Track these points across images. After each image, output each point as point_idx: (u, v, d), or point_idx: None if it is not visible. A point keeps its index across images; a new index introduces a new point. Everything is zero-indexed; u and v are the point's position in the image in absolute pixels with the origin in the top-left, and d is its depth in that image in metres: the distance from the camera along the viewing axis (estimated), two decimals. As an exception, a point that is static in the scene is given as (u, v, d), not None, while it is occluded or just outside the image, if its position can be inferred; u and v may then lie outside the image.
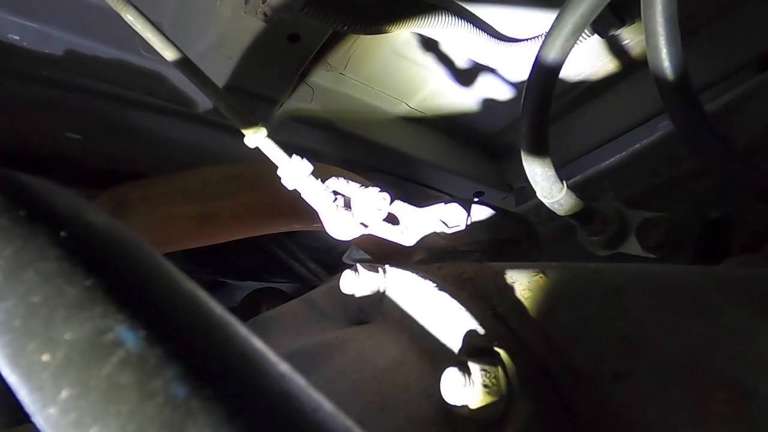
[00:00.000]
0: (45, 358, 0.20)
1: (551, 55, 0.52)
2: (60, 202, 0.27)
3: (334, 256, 2.11)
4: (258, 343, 0.21)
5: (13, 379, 0.21)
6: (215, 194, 1.17)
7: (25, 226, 0.25)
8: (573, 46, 0.52)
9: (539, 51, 0.54)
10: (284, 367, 0.21)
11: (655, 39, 0.49)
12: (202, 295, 0.23)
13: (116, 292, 0.21)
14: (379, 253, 0.96)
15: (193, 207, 1.10)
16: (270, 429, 0.17)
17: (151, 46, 1.17)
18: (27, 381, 0.20)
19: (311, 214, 1.22)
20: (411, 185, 1.70)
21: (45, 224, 0.25)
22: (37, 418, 0.21)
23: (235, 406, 0.18)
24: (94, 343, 0.20)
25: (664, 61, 0.50)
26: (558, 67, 0.54)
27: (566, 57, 0.53)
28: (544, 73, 0.54)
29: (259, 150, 0.67)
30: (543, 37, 1.18)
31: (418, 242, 0.67)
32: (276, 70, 1.23)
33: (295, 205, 1.18)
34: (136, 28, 0.51)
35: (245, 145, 1.41)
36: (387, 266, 0.63)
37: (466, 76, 1.48)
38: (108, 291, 0.21)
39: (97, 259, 0.23)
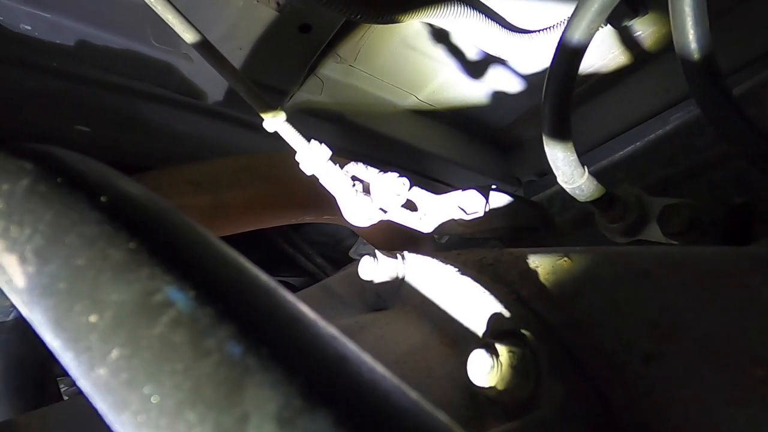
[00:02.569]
0: (93, 319, 0.20)
1: (576, 37, 0.52)
2: (96, 170, 0.27)
3: (341, 251, 2.11)
4: (306, 307, 0.21)
5: (57, 343, 0.21)
6: (226, 185, 1.17)
7: (64, 191, 0.24)
8: (598, 28, 0.52)
9: (563, 33, 0.53)
10: (334, 330, 0.20)
11: (681, 19, 0.48)
12: (246, 261, 0.23)
13: (162, 254, 0.21)
14: (387, 246, 0.96)
15: (204, 198, 1.10)
16: (331, 387, 0.17)
17: (163, 36, 1.17)
18: (74, 343, 0.20)
19: (322, 206, 1.22)
20: (419, 178, 1.69)
21: (84, 189, 0.24)
22: (84, 382, 0.20)
23: (293, 364, 0.17)
24: (143, 304, 0.19)
25: (691, 42, 0.49)
26: (582, 50, 0.53)
27: (591, 39, 0.52)
28: (568, 55, 0.53)
29: (274, 136, 0.66)
30: (556, 28, 1.17)
31: (436, 229, 0.67)
32: (286, 61, 1.23)
33: (306, 196, 1.18)
34: (156, 10, 0.50)
35: (255, 137, 1.41)
36: (405, 252, 0.62)
37: (476, 68, 1.48)
38: (153, 253, 0.21)
39: (140, 223, 0.22)
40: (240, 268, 0.22)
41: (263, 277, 0.22)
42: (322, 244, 2.08)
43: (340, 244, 2.11)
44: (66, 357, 0.21)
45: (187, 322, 0.18)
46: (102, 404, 0.19)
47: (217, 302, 0.19)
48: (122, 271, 0.20)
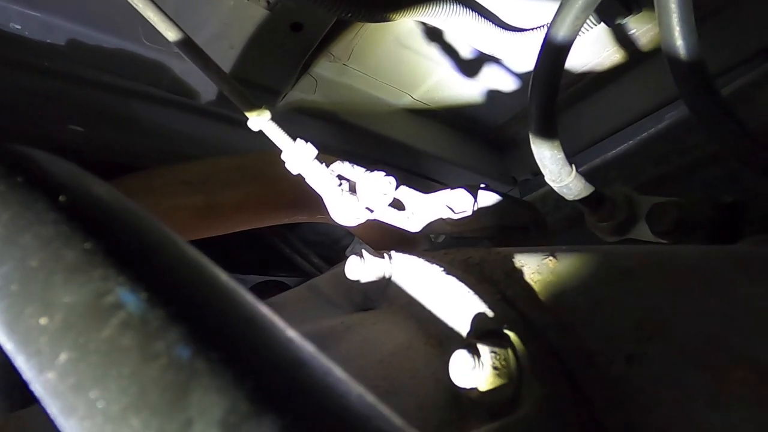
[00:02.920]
0: (43, 321, 0.19)
1: (561, 33, 0.51)
2: (58, 170, 0.26)
3: (337, 250, 2.10)
4: (264, 309, 0.21)
5: (10, 346, 0.21)
6: (219, 185, 1.16)
7: (23, 191, 0.24)
8: (582, 25, 0.51)
9: (548, 30, 0.53)
10: (292, 333, 0.20)
11: (668, 17, 0.48)
12: (206, 261, 0.22)
13: (116, 254, 0.20)
14: (382, 245, 0.95)
15: (197, 198, 1.09)
16: (280, 392, 0.16)
17: (154, 35, 1.17)
18: (25, 346, 0.19)
19: (315, 205, 1.21)
20: (414, 177, 1.69)
21: (43, 189, 0.24)
22: (35, 385, 0.20)
23: (242, 368, 0.17)
24: (93, 306, 0.19)
25: (677, 39, 0.49)
26: (568, 46, 0.53)
27: (576, 35, 0.52)
28: (554, 52, 0.53)
29: (263, 135, 0.66)
30: (547, 29, 1.17)
31: (424, 228, 0.67)
32: (279, 60, 1.22)
33: (299, 196, 1.18)
34: (137, 8, 0.50)
35: (248, 136, 1.40)
36: (392, 252, 0.62)
37: (471, 67, 1.47)
38: (107, 254, 0.20)
39: (97, 223, 0.22)
40: (198, 268, 0.21)
41: (223, 278, 0.21)
42: (318, 244, 2.08)
43: (336, 244, 2.11)
44: (18, 360, 0.20)
45: (136, 325, 0.18)
46: (52, 408, 0.19)
47: (169, 304, 0.19)
48: (75, 272, 0.20)
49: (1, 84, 1.14)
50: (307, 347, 0.19)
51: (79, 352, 0.18)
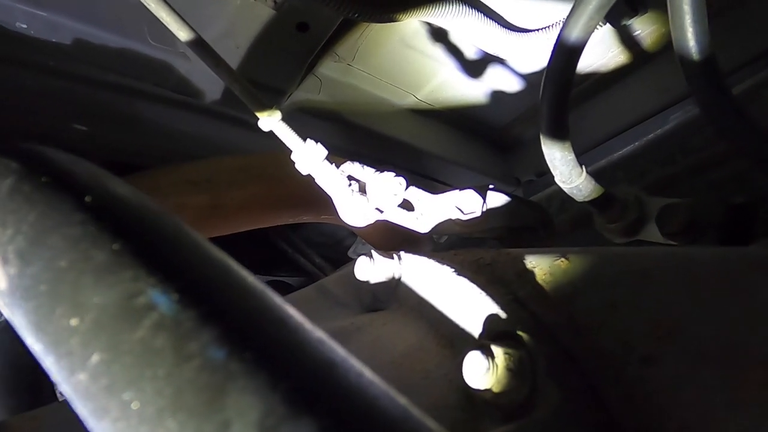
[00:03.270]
0: (74, 322, 0.19)
1: (574, 34, 0.51)
2: (82, 170, 0.26)
3: (340, 251, 2.10)
4: (293, 311, 0.20)
5: (38, 347, 0.21)
6: (224, 184, 1.16)
7: (49, 191, 0.24)
8: (596, 26, 0.51)
9: (561, 30, 0.52)
10: (321, 334, 0.20)
11: (680, 17, 0.48)
12: (233, 262, 0.22)
13: (146, 255, 0.20)
14: (386, 246, 0.95)
15: (202, 197, 1.09)
16: (316, 394, 0.16)
17: (160, 35, 1.17)
18: (55, 347, 0.19)
19: (320, 206, 1.21)
20: (417, 178, 1.69)
21: (69, 190, 0.24)
22: (65, 386, 0.20)
23: (278, 369, 0.17)
24: (125, 307, 0.19)
25: (690, 40, 0.48)
26: (581, 48, 0.53)
27: (589, 37, 0.52)
28: (566, 53, 0.53)
29: (272, 135, 0.66)
30: (554, 27, 1.16)
31: (433, 229, 0.66)
32: (284, 60, 1.22)
33: (304, 196, 1.18)
34: (150, 8, 0.50)
35: (252, 136, 1.40)
36: (402, 253, 0.62)
37: (475, 67, 1.47)
38: (137, 255, 0.20)
39: (124, 223, 0.22)
40: (227, 270, 0.21)
41: (250, 279, 0.21)
42: (321, 244, 2.08)
43: (339, 244, 2.11)
44: (47, 361, 0.20)
45: (169, 326, 0.18)
46: (83, 410, 0.19)
47: (201, 305, 0.18)
48: (105, 273, 0.20)
49: (6, 83, 1.14)
50: (338, 349, 0.19)
51: (112, 354, 0.18)
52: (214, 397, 0.16)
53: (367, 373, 0.19)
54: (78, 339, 0.19)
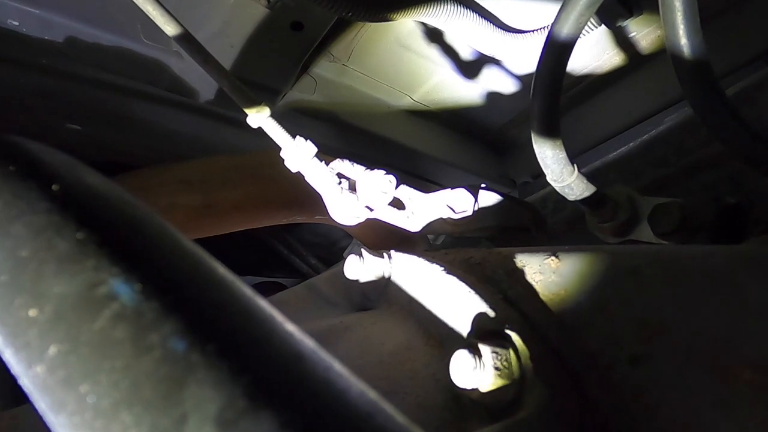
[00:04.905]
0: (32, 313, 0.18)
1: (564, 31, 0.51)
2: (52, 159, 0.25)
3: (335, 252, 2.10)
4: (264, 303, 0.20)
5: (-2, 339, 0.20)
6: (217, 184, 1.15)
7: (15, 179, 0.23)
8: (587, 23, 0.51)
9: (551, 27, 0.52)
10: (291, 327, 0.19)
11: (672, 15, 0.48)
12: (203, 253, 0.22)
13: (110, 245, 0.20)
14: (381, 247, 0.94)
15: (195, 197, 1.09)
16: (279, 387, 0.16)
17: (153, 33, 1.16)
18: (13, 338, 0.19)
19: (314, 206, 1.20)
20: (412, 179, 1.68)
21: (35, 178, 0.23)
22: (24, 380, 0.19)
23: (240, 362, 0.16)
24: (85, 297, 0.18)
25: (682, 38, 0.48)
26: (571, 45, 0.52)
27: (579, 33, 0.51)
28: (557, 50, 0.52)
29: (262, 136, 0.65)
30: (549, 28, 1.16)
31: (425, 228, 0.66)
32: (278, 59, 1.22)
33: (298, 196, 1.17)
34: (136, 2, 0.49)
35: (246, 136, 1.39)
36: (392, 252, 0.61)
37: (471, 68, 1.47)
38: (101, 244, 0.20)
39: (90, 213, 0.21)
40: (195, 261, 0.21)
41: (220, 270, 0.21)
42: (316, 245, 2.07)
43: (334, 246, 2.10)
44: (6, 353, 0.19)
45: (130, 317, 0.17)
46: (41, 404, 0.18)
47: (164, 296, 0.18)
48: (67, 262, 0.19)
49: (-2, 81, 1.13)
50: (307, 341, 0.19)
51: (70, 345, 0.17)
52: (172, 389, 0.15)
53: (337, 366, 0.18)
54: (36, 330, 0.18)
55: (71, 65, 1.17)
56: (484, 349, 0.41)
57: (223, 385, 0.15)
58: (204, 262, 0.21)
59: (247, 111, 0.57)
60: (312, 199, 1.09)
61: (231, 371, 0.16)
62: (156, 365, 0.16)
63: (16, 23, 1.07)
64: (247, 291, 0.20)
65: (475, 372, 0.40)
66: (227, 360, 0.16)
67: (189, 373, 0.16)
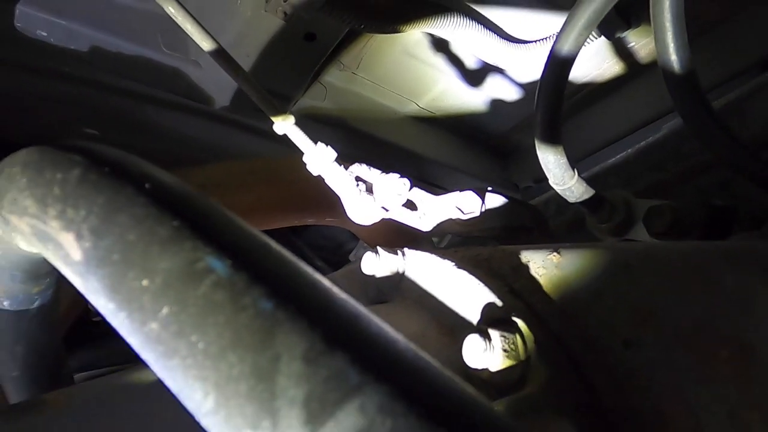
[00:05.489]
0: (145, 283, 0.23)
1: (566, 48, 0.56)
2: (135, 162, 0.31)
3: (341, 255, 2.14)
4: (321, 276, 0.25)
5: (111, 306, 0.25)
6: (232, 188, 1.21)
7: (113, 179, 0.28)
8: (586, 40, 0.56)
9: (554, 44, 0.57)
10: (347, 296, 0.24)
11: (663, 33, 0.52)
12: (267, 237, 0.27)
13: (201, 230, 0.25)
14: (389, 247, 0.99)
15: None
16: (346, 335, 0.21)
17: (173, 43, 1.21)
18: (128, 303, 0.24)
19: (324, 208, 1.25)
20: (418, 183, 1.73)
21: (130, 177, 0.28)
22: (134, 338, 0.24)
23: (314, 317, 0.21)
24: (187, 271, 0.23)
25: (672, 54, 0.53)
26: (572, 60, 0.57)
27: (579, 49, 0.56)
28: (559, 65, 0.57)
29: (279, 140, 0.70)
30: (551, 38, 1.21)
31: (435, 228, 0.71)
32: (292, 68, 1.27)
33: (309, 198, 1.22)
34: (176, 20, 0.54)
35: (259, 141, 1.44)
36: (406, 249, 0.66)
37: (476, 76, 1.52)
38: (194, 229, 0.25)
39: (181, 205, 0.26)
40: (263, 241, 0.26)
41: (283, 249, 0.26)
42: (323, 248, 2.12)
43: (340, 248, 2.15)
44: (119, 317, 0.24)
45: (226, 284, 0.22)
46: (151, 354, 0.23)
47: (249, 269, 0.23)
48: (169, 244, 0.24)
49: (25, 87, 1.19)
50: (361, 306, 0.23)
51: (180, 306, 0.22)
52: (266, 337, 0.20)
53: (386, 326, 0.23)
54: (149, 296, 0.23)
55: (94, 73, 1.23)
56: (494, 333, 0.45)
57: (305, 333, 0.20)
58: (269, 242, 0.26)
59: (273, 119, 0.62)
60: (323, 202, 1.14)
61: (310, 323, 0.21)
62: (251, 320, 0.21)
63: (45, 33, 1.12)
64: (308, 267, 0.25)
65: (486, 354, 0.45)
66: (305, 316, 0.21)
67: (277, 325, 0.21)
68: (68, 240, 0.27)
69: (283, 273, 0.24)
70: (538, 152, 0.63)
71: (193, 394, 0.21)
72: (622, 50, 1.39)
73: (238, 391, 0.20)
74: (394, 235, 1.23)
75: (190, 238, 0.24)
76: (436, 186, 1.73)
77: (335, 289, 0.24)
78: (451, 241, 1.32)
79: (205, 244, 0.24)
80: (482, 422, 0.19)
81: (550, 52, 0.58)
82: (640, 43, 1.35)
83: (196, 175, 1.20)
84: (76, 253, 0.27)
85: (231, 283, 0.22)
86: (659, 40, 0.53)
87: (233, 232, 0.26)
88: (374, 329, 0.22)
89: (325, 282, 0.24)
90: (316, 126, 1.50)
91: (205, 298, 0.22)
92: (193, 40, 0.57)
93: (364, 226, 0.73)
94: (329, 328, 0.21)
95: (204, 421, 0.21)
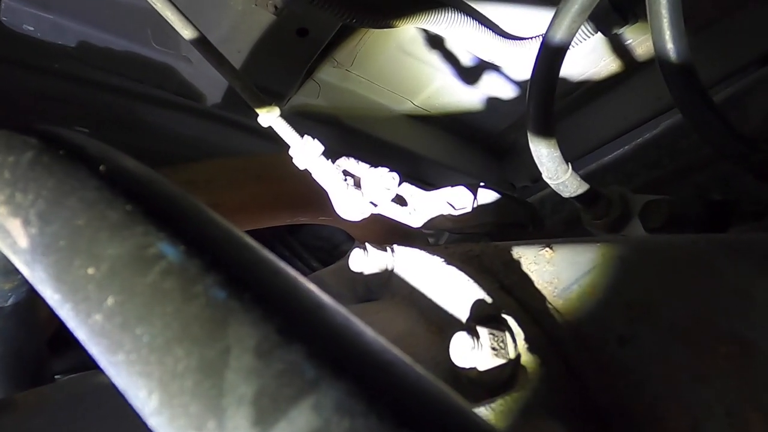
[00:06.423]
0: (90, 271, 0.21)
1: (558, 36, 0.54)
2: (93, 144, 0.29)
3: (337, 255, 2.12)
4: (287, 266, 0.23)
5: (57, 297, 0.23)
6: (222, 185, 1.18)
7: (66, 161, 0.26)
8: (578, 28, 0.54)
9: (546, 32, 0.55)
10: (313, 286, 0.22)
11: (659, 21, 0.51)
12: (231, 224, 0.25)
13: (155, 215, 0.23)
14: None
15: (200, 198, 1.11)
16: (305, 329, 0.19)
17: (163, 39, 1.20)
18: (73, 294, 0.22)
19: (317, 207, 1.23)
20: (413, 182, 1.71)
21: (84, 160, 0.26)
22: (80, 330, 0.22)
23: (271, 307, 0.19)
24: (137, 257, 0.21)
25: (668, 42, 0.51)
26: (564, 49, 0.55)
27: (572, 39, 0.55)
28: (552, 54, 0.56)
29: (271, 138, 0.68)
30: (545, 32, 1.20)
31: (426, 224, 0.69)
32: (284, 64, 1.25)
33: (302, 197, 1.20)
34: (156, 6, 0.52)
35: (252, 139, 1.42)
36: (395, 245, 0.64)
37: (471, 74, 1.50)
38: (148, 214, 0.23)
39: (134, 188, 0.24)
40: (225, 228, 0.24)
41: (247, 237, 0.24)
42: (318, 249, 2.10)
43: (336, 249, 2.13)
44: (65, 309, 0.22)
45: (177, 271, 0.20)
46: (96, 348, 0.21)
47: (204, 255, 0.21)
48: (119, 228, 0.22)
49: (12, 83, 1.17)
50: (327, 297, 0.21)
51: (125, 296, 0.20)
52: (216, 328, 0.18)
53: (352, 317, 0.21)
54: (94, 285, 0.21)
55: (83, 69, 1.21)
56: (482, 330, 0.43)
57: (258, 324, 0.18)
58: (232, 229, 0.24)
59: (258, 111, 0.60)
60: (315, 200, 1.12)
61: (265, 314, 0.19)
62: (201, 309, 0.19)
63: (31, 28, 1.10)
64: (272, 255, 0.23)
65: (474, 352, 0.43)
66: (261, 305, 0.19)
67: (230, 315, 0.19)
68: (15, 226, 0.25)
69: (242, 260, 0.22)
70: (531, 145, 0.61)
71: (138, 392, 0.19)
72: (619, 47, 1.38)
73: (183, 388, 0.18)
74: (388, 234, 1.21)
75: (143, 222, 0.22)
76: (430, 185, 1.71)
77: (301, 279, 0.22)
78: (448, 240, 1.30)
79: (159, 228, 0.22)
80: (453, 425, 0.17)
81: (542, 41, 0.56)
82: (637, 40, 1.34)
83: (186, 172, 1.18)
84: (22, 240, 0.25)
85: (182, 270, 0.20)
86: (655, 29, 0.51)
87: (193, 217, 0.24)
88: (339, 320, 0.20)
89: (290, 271, 0.22)
90: (309, 123, 1.48)
91: (153, 286, 0.20)
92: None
93: (355, 223, 0.71)
94: (286, 319, 0.19)
95: (150, 422, 0.19)
